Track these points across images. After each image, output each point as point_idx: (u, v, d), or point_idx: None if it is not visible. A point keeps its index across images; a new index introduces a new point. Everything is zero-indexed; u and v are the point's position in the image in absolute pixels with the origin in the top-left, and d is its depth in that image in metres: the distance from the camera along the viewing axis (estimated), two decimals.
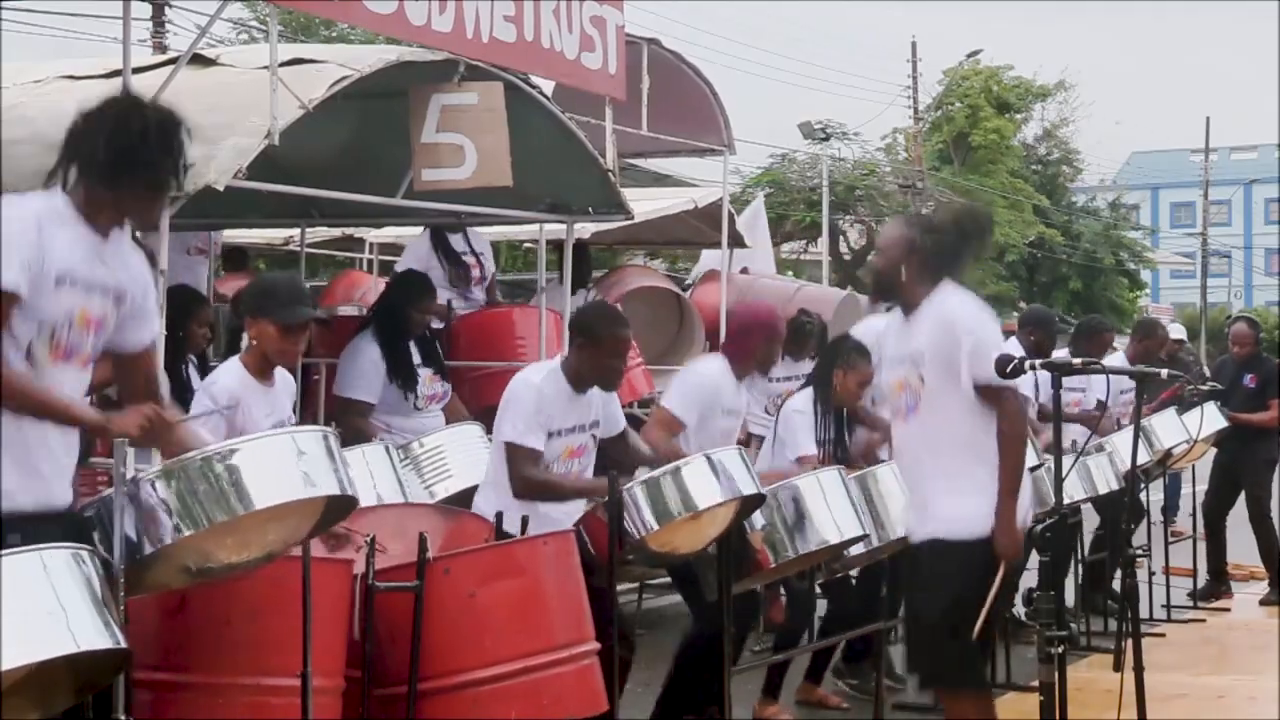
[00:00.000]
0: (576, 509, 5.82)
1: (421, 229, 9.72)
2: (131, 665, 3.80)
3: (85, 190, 3.93)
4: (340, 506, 4.30)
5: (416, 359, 7.77)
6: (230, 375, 5.48)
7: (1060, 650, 4.80)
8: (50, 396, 3.86)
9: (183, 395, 7.10)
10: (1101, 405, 8.70)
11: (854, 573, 7.44)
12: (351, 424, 7.36)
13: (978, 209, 5.97)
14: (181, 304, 7.17)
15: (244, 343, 5.63)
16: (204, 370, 7.36)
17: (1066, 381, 5.56)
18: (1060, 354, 9.79)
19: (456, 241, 9.50)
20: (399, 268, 9.51)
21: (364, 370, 7.58)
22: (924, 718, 7.43)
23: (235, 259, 12.24)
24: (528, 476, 5.71)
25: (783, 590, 7.73)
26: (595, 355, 5.88)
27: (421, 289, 8.05)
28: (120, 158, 3.91)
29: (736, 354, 6.90)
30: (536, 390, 5.81)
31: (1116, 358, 10.23)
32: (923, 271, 5.51)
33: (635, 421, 7.64)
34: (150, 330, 4.21)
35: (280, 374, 5.64)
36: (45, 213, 3.87)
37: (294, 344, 5.52)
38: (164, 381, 5.07)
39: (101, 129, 3.94)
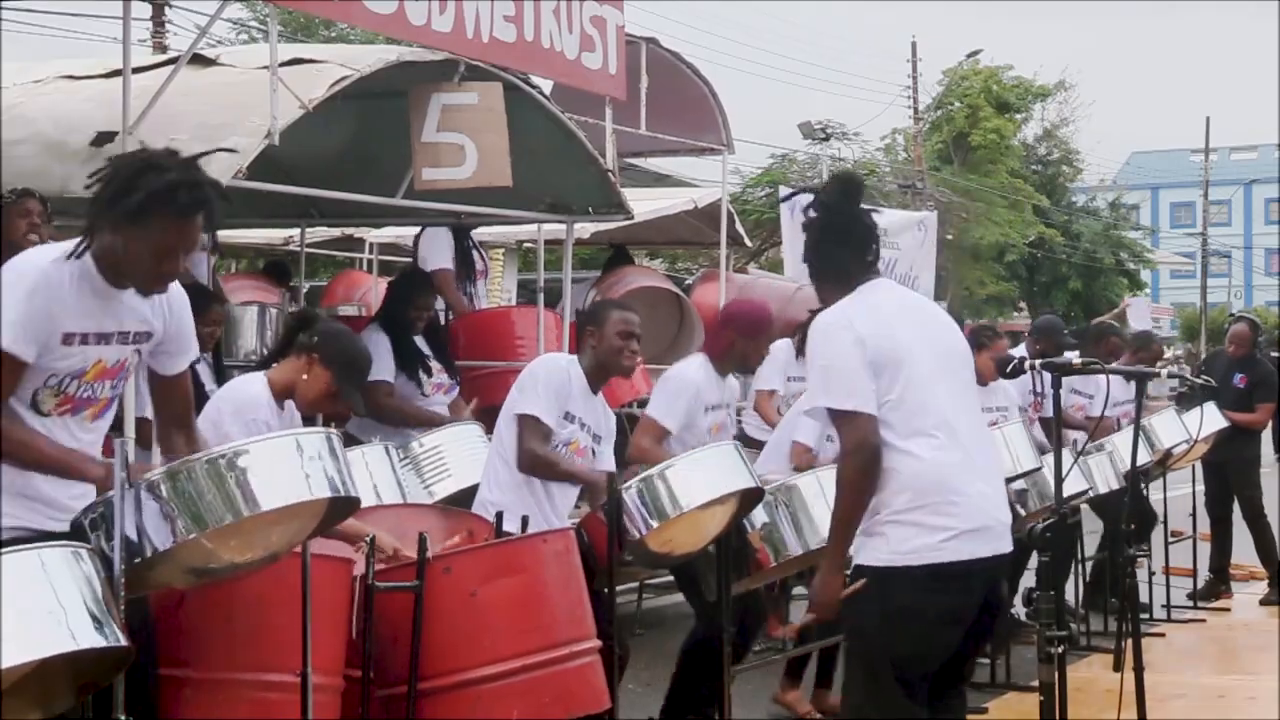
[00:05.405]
0: (577, 512, 5.81)
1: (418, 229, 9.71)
2: (131, 664, 3.79)
3: (121, 238, 3.95)
4: (343, 507, 4.31)
5: (426, 351, 7.83)
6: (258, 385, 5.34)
7: (1060, 650, 4.80)
8: (46, 451, 3.94)
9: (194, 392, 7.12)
10: (1098, 418, 8.62)
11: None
12: (381, 406, 7.44)
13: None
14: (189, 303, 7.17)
15: (290, 366, 5.36)
16: (218, 367, 7.36)
17: (1073, 386, 5.51)
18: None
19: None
20: (425, 263, 9.50)
21: (376, 354, 7.62)
22: None
23: (279, 273, 12.11)
24: (533, 449, 5.76)
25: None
26: (602, 338, 5.96)
27: (419, 286, 8.08)
28: (149, 196, 3.93)
29: (713, 350, 6.88)
30: (562, 371, 5.92)
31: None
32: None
33: (634, 421, 7.64)
34: (185, 359, 4.31)
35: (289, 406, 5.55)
36: (54, 272, 3.93)
37: (329, 408, 5.51)
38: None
39: (124, 174, 3.99)
